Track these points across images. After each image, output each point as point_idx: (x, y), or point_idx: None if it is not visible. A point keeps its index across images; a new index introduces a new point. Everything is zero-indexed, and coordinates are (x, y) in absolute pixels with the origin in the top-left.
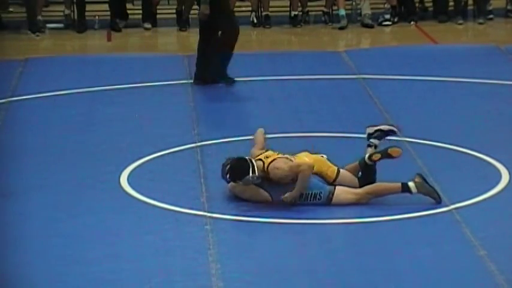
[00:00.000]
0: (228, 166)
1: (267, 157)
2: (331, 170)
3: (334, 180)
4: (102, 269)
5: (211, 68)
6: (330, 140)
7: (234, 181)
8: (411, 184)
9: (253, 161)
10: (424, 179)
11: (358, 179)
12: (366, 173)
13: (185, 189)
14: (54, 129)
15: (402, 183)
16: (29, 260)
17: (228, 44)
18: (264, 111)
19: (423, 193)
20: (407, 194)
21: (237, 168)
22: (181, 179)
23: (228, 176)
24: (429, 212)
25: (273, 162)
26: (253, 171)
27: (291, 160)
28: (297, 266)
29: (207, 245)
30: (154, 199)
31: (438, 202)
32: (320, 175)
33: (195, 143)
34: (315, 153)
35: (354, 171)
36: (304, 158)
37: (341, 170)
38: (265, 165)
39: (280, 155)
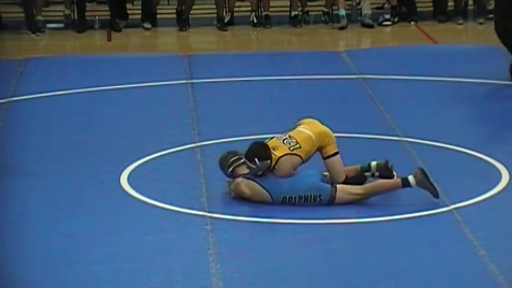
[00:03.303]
0: (250, 146)
1: (274, 149)
2: (330, 148)
3: (326, 158)
4: (102, 269)
5: None
6: None
7: (250, 161)
8: (411, 179)
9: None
10: (426, 175)
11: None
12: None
13: (185, 189)
14: (54, 129)
15: (402, 179)
16: (29, 260)
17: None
18: (264, 111)
19: (422, 187)
20: (408, 192)
21: (259, 151)
22: (181, 179)
23: (247, 154)
24: (429, 212)
25: (279, 161)
26: (270, 159)
27: (297, 155)
28: (297, 266)
29: (207, 245)
30: (154, 199)
31: (435, 197)
32: (318, 148)
33: (195, 143)
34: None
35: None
36: (305, 130)
37: (337, 156)
38: (272, 161)
39: (286, 139)
